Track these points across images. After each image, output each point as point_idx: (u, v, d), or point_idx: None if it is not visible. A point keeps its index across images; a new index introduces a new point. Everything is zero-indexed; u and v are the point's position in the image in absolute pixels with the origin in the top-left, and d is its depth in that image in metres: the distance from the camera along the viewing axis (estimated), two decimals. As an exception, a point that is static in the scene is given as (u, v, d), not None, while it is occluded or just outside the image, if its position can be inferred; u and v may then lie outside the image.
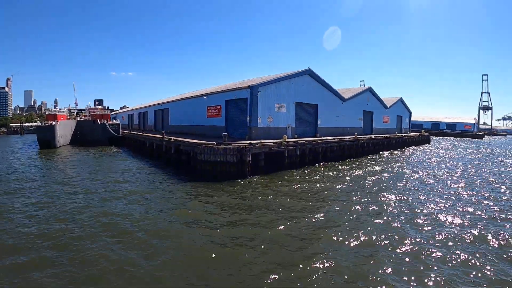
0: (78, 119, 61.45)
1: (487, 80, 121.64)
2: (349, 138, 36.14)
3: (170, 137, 29.34)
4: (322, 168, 26.33)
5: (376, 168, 27.37)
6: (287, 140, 26.19)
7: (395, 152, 43.57)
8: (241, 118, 29.51)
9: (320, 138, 32.09)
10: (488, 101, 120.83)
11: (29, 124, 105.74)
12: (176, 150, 27.01)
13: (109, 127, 51.47)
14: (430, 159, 35.67)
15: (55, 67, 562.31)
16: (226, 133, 23.66)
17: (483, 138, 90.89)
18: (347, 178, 22.08)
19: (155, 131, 50.23)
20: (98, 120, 53.60)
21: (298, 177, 22.18)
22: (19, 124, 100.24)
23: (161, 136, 31.58)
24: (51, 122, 48.97)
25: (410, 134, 58.12)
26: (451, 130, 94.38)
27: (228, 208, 14.09)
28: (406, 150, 47.39)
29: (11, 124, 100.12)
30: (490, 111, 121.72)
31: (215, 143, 22.53)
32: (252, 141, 24.19)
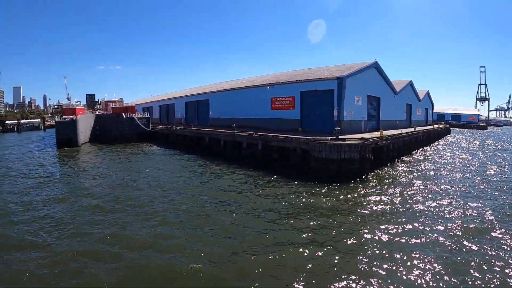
0: (97, 113, 57.19)
1: (484, 72, 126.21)
2: (411, 131, 35.57)
3: (250, 132, 27.33)
4: (413, 161, 27.19)
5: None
6: (383, 134, 25.04)
7: (448, 140, 45.46)
8: (324, 111, 28.00)
9: (400, 132, 31.27)
10: (485, 92, 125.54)
11: (25, 121, 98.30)
12: (264, 147, 25.16)
13: (138, 121, 47.23)
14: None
15: (41, 63, 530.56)
16: (339, 128, 22.11)
17: (487, 129, 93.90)
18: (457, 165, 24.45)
19: (187, 125, 47.53)
20: (123, 113, 48.76)
21: (411, 169, 23.16)
22: (15, 122, 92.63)
23: (231, 131, 29.50)
24: (71, 116, 43.41)
25: (440, 126, 58.53)
26: (456, 121, 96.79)
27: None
28: (446, 140, 50.08)
29: (6, 122, 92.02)
30: (487, 102, 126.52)
31: (329, 139, 20.99)
32: (364, 136, 22.86)
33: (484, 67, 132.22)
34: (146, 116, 50.28)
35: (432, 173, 22.27)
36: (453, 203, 14.55)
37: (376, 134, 25.44)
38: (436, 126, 55.17)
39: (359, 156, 19.96)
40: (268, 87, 33.38)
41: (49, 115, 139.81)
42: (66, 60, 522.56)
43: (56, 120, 47.38)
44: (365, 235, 10.70)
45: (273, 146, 24.40)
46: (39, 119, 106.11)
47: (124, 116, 48.04)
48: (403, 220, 12.14)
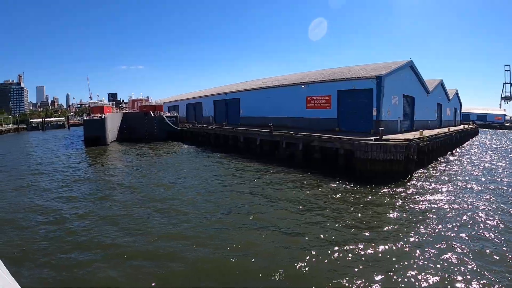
0: (124, 111, 58.29)
1: (509, 70, 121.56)
2: (445, 132, 35.21)
3: (290, 132, 27.69)
4: (451, 161, 27.82)
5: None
6: (424, 135, 25.04)
7: (478, 141, 45.30)
8: (363, 111, 28.16)
9: (436, 132, 31.11)
10: (510, 92, 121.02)
11: (50, 119, 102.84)
12: (304, 147, 25.43)
13: (167, 119, 47.40)
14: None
15: (63, 62, 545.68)
16: (383, 128, 22.28)
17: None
18: None
19: (217, 124, 48.14)
20: (151, 112, 48.92)
21: (452, 169, 23.68)
22: (40, 120, 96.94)
23: (269, 130, 29.98)
24: (99, 115, 43.78)
25: (470, 126, 57.45)
26: (482, 121, 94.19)
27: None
28: (476, 140, 50.25)
29: (31, 120, 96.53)
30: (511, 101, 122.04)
31: (373, 139, 21.23)
32: (407, 136, 22.97)
33: (509, 65, 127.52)
34: (175, 114, 50.74)
35: (473, 173, 22.58)
36: (501, 203, 14.73)
37: (416, 134, 25.44)
38: (466, 126, 54.17)
39: (404, 157, 20.16)
40: (303, 86, 33.62)
41: (72, 113, 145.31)
42: (87, 60, 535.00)
43: (84, 118, 47.26)
44: (423, 233, 11.14)
45: (314, 146, 24.67)
46: (63, 118, 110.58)
47: (153, 115, 48.27)
48: (457, 218, 12.63)
